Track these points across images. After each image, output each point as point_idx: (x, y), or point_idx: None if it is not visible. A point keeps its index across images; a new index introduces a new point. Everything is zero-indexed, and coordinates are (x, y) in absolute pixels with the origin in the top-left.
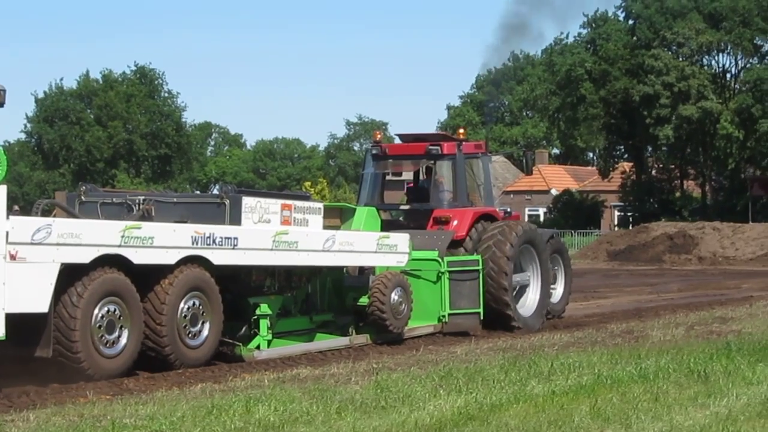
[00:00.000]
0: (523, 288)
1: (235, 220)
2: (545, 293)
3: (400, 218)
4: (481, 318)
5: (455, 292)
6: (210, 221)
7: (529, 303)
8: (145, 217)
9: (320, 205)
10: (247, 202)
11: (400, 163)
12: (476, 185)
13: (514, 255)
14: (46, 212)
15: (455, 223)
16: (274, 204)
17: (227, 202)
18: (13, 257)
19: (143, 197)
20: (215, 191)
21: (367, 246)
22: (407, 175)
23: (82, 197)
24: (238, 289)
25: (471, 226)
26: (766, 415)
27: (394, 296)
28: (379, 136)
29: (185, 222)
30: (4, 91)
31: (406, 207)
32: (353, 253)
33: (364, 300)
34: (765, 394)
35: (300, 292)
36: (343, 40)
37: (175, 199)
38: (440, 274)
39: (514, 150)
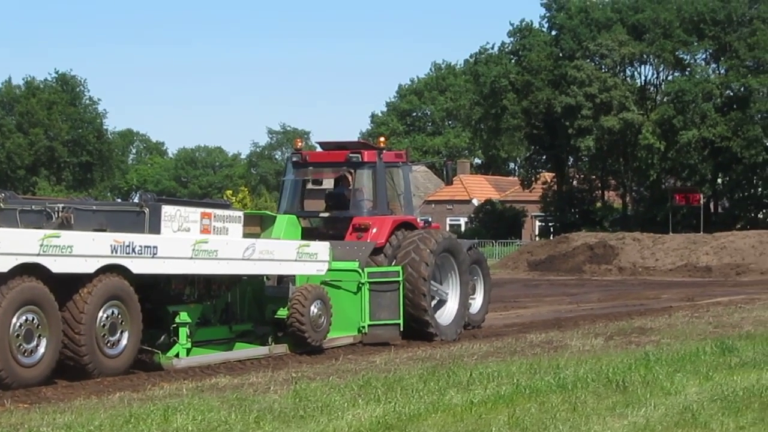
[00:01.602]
0: (442, 299)
1: (155, 228)
2: (464, 303)
3: (320, 226)
4: (401, 329)
5: (375, 303)
6: (129, 229)
7: (447, 312)
8: (65, 225)
9: (240, 213)
10: (167, 210)
11: (321, 171)
12: (396, 194)
13: (433, 261)
14: None
15: (374, 230)
16: (193, 212)
17: (147, 210)
18: None
19: (62, 205)
20: (136, 199)
21: (287, 254)
22: (327, 184)
23: (1, 204)
24: (158, 298)
25: (390, 234)
26: (684, 425)
27: (314, 309)
28: (300, 143)
29: (104, 230)
30: None
31: (326, 215)
32: (273, 262)
33: (283, 312)
34: (683, 404)
35: (220, 300)
36: (266, 48)
37: (94, 207)
38: (360, 285)
39: (435, 160)
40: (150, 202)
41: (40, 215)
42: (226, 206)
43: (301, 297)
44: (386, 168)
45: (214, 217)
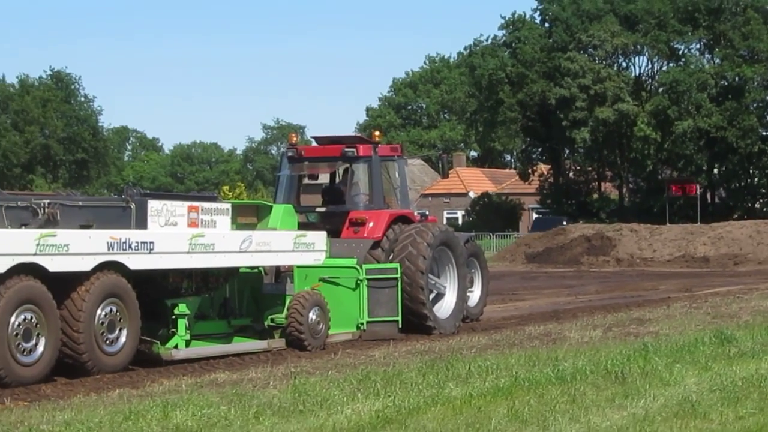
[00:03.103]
0: (440, 292)
1: (141, 223)
2: (461, 296)
3: (316, 221)
4: (399, 326)
5: (373, 300)
6: (116, 225)
7: (445, 306)
8: (50, 221)
9: (227, 205)
10: (153, 205)
11: (316, 166)
12: (392, 188)
13: (430, 255)
14: None
15: (371, 224)
16: (180, 206)
17: (133, 205)
18: None
19: (48, 201)
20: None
21: (284, 245)
22: (323, 179)
23: None
24: (155, 292)
25: (387, 227)
26: (683, 416)
27: (312, 316)
28: (295, 138)
29: (91, 226)
30: None
31: (322, 209)
32: (270, 253)
33: (281, 320)
34: (681, 394)
35: (218, 294)
36: (260, 43)
37: (80, 203)
38: (359, 282)
39: (431, 153)
40: (136, 197)
41: (26, 211)
42: (212, 199)
43: (299, 305)
44: (382, 162)
45: (202, 210)
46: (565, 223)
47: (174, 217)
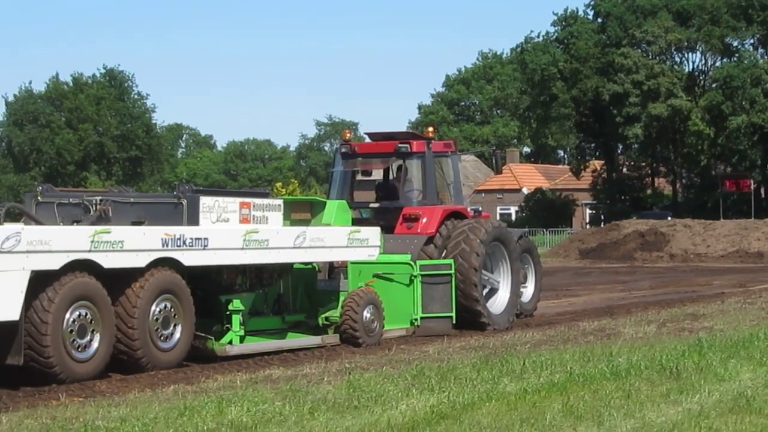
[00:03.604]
0: (493, 287)
1: (193, 220)
2: (515, 291)
3: (370, 217)
4: (453, 322)
5: (427, 296)
6: (168, 221)
7: (499, 301)
8: (102, 217)
9: (279, 201)
10: (205, 201)
11: (370, 162)
12: (446, 184)
13: (483, 251)
14: (14, 215)
15: (424, 220)
16: (232, 202)
17: (185, 201)
18: None
19: (100, 197)
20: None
21: (339, 241)
22: (377, 175)
23: (39, 197)
24: (210, 288)
25: (440, 223)
26: (738, 411)
27: (366, 314)
28: (348, 134)
29: (143, 222)
30: None
31: (376, 205)
32: (324, 249)
33: (336, 318)
34: (736, 390)
35: (272, 290)
36: (313, 40)
37: (132, 200)
38: (413, 278)
39: (484, 149)
40: (188, 194)
41: (78, 208)
42: (264, 195)
43: (353, 303)
44: (435, 158)
45: (253, 206)
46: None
47: (226, 214)
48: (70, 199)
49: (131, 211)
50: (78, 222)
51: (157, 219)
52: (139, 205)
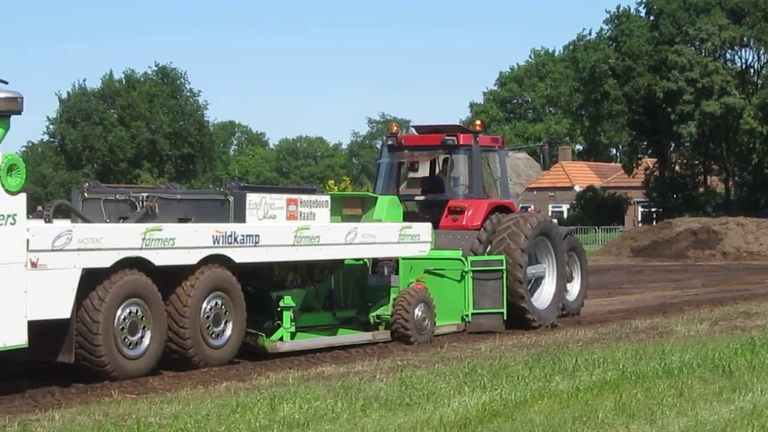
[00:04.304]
0: (538, 281)
1: (240, 216)
2: (561, 286)
3: (416, 210)
4: (504, 318)
5: (478, 292)
6: (214, 218)
7: (544, 296)
8: (149, 214)
9: (327, 198)
10: (252, 198)
11: (416, 154)
12: (492, 179)
13: (528, 247)
14: (61, 212)
15: (470, 213)
16: (279, 199)
17: (231, 198)
18: (34, 265)
19: (147, 194)
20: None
21: (390, 237)
22: (423, 170)
23: (86, 194)
24: (261, 284)
25: (486, 217)
26: None
27: (418, 312)
28: (395, 127)
29: (189, 219)
30: (22, 98)
31: (421, 198)
32: (376, 245)
33: (387, 316)
34: None
35: (323, 286)
36: (365, 38)
37: (179, 196)
38: (464, 274)
39: (532, 146)
40: (234, 190)
41: (125, 204)
42: (311, 191)
43: (405, 302)
44: (482, 152)
45: (300, 202)
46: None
47: (273, 210)
48: (117, 196)
49: (178, 208)
50: (125, 218)
51: (204, 216)
52: (185, 201)
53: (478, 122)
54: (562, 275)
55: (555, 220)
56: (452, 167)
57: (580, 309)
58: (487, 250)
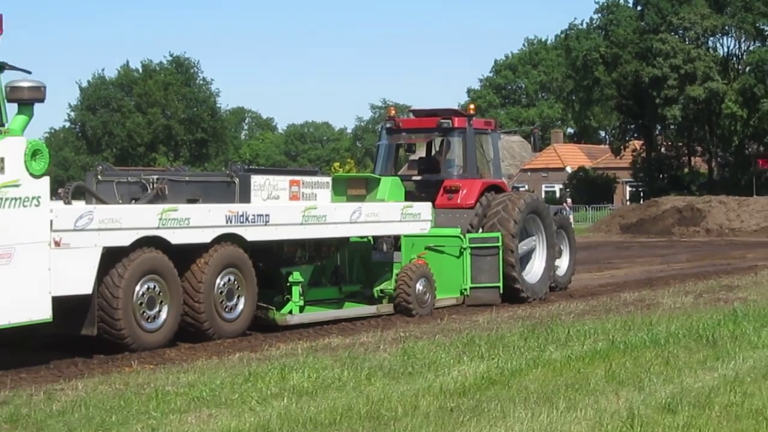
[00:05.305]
0: (529, 255)
1: (245, 197)
2: (550, 262)
3: (412, 189)
4: (501, 292)
5: (476, 267)
6: (221, 199)
7: (535, 270)
8: (159, 195)
9: (328, 179)
10: (256, 180)
11: (413, 136)
12: (485, 160)
13: (518, 231)
14: (78, 194)
15: (464, 192)
16: (282, 181)
17: (237, 180)
18: (57, 244)
19: (157, 176)
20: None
21: (392, 216)
22: (420, 152)
23: (99, 176)
24: (271, 261)
25: (479, 196)
26: None
27: (419, 287)
28: (393, 111)
29: (197, 200)
30: (45, 87)
31: (418, 178)
32: (379, 223)
33: (390, 289)
34: None
35: (329, 262)
36: (367, 26)
37: (187, 178)
38: (462, 250)
39: (522, 129)
40: (240, 173)
41: (136, 186)
42: (313, 173)
43: (407, 277)
44: (476, 134)
45: (303, 183)
46: None
47: (276, 191)
48: (129, 178)
49: (186, 190)
50: (136, 200)
51: (211, 197)
52: (193, 183)
53: (471, 106)
54: (552, 249)
55: (569, 199)
56: (447, 149)
57: (568, 283)
58: (482, 224)
